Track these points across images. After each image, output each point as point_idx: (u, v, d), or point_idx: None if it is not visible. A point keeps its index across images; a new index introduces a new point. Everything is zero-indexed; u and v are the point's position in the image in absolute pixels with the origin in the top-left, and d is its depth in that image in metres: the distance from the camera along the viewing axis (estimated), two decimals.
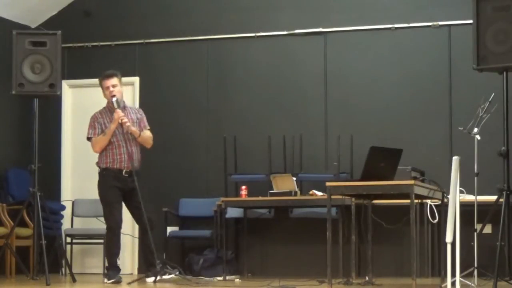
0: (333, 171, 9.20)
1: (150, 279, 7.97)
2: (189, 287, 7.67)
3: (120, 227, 8.02)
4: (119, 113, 7.94)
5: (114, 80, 8.07)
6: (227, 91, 10.05)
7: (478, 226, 7.07)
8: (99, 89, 8.25)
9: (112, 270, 8.00)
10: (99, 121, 8.12)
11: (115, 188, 7.98)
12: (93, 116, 8.19)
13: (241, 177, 9.52)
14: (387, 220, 8.49)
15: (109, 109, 8.12)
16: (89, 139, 8.20)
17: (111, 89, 8.04)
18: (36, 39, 8.43)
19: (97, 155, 8.18)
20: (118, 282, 7.91)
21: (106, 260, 8.30)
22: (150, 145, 8.29)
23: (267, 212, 9.37)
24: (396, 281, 8.22)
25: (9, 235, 8.67)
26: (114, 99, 8.00)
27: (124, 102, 8.23)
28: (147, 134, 8.20)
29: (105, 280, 8.02)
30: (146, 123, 8.27)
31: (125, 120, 7.97)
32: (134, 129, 8.01)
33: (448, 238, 5.93)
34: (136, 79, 10.32)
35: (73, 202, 10.24)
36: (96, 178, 10.32)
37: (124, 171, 8.01)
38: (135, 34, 10.32)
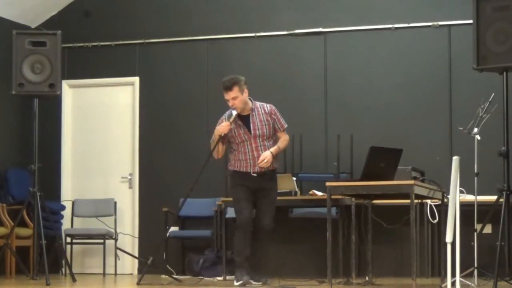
0: (333, 171, 9.20)
1: (257, 284, 7.67)
2: (189, 287, 7.68)
3: (249, 225, 7.57)
4: (224, 127, 7.63)
5: (230, 94, 7.64)
6: None
7: (478, 226, 7.07)
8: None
9: (239, 270, 7.63)
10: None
11: (243, 186, 7.65)
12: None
13: None
14: (387, 220, 8.48)
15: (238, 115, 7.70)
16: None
17: (230, 103, 7.65)
18: (36, 39, 8.43)
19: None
20: (244, 285, 7.55)
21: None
22: (287, 146, 7.98)
23: None
24: (396, 281, 8.22)
25: (9, 235, 8.66)
26: (233, 112, 7.65)
27: (252, 102, 7.74)
28: (284, 141, 7.80)
29: (234, 282, 7.65)
30: (282, 123, 7.78)
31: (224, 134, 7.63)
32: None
33: (448, 238, 5.93)
34: (136, 79, 10.31)
35: (73, 202, 10.24)
36: (96, 178, 10.41)
37: (251, 172, 7.68)
38: (135, 34, 10.32)
